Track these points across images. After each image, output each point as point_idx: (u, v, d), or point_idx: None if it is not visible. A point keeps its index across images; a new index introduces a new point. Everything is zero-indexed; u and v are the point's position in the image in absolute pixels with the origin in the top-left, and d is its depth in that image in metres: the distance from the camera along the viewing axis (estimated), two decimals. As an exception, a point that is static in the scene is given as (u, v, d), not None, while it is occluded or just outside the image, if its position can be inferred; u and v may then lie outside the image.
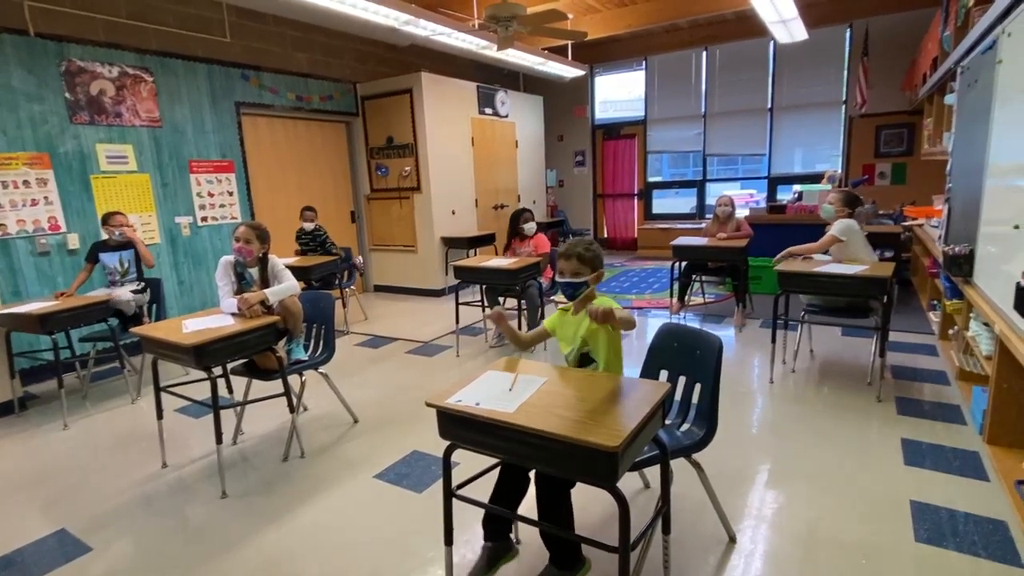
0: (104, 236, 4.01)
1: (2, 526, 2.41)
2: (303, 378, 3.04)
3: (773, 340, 3.57)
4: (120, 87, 4.53)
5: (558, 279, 2.03)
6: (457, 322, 4.53)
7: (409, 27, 4.82)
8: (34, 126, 4.09)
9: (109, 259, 3.96)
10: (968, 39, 3.12)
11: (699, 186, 8.76)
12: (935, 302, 4.44)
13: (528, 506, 1.84)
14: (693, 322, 5.01)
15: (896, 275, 3.31)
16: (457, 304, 4.48)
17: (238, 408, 3.12)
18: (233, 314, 2.82)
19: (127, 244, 4.00)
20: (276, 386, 2.84)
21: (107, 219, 3.94)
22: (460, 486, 1.79)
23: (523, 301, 4.32)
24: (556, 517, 1.73)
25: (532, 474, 1.80)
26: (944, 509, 2.19)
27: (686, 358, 2.06)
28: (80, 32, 4.31)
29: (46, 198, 4.17)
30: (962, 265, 2.71)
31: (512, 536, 1.95)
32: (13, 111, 3.98)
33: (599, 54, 8.56)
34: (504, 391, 1.70)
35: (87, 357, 4.03)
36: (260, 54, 5.56)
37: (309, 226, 5.28)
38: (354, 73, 6.57)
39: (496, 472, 1.88)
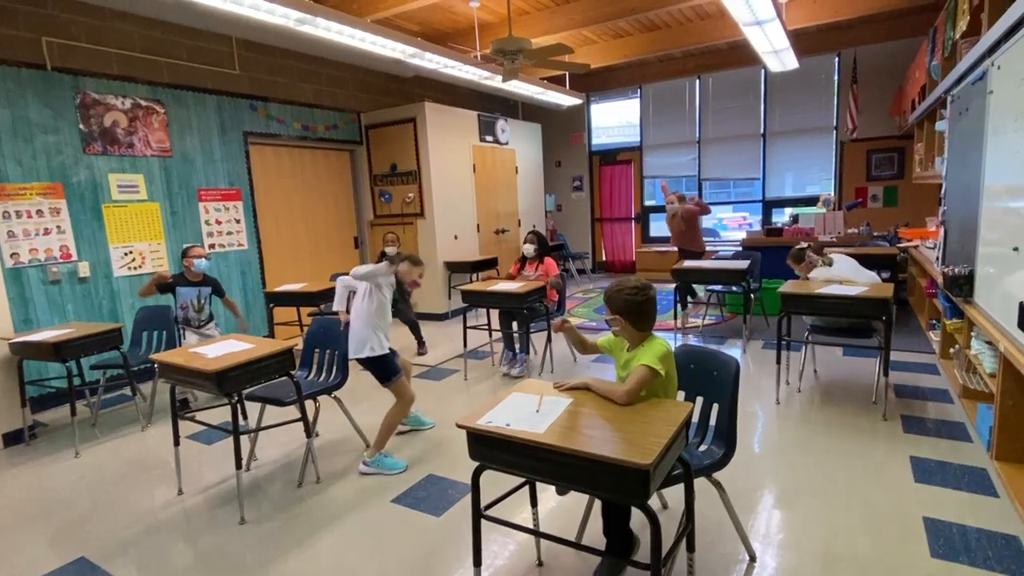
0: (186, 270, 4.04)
1: (21, 555, 2.40)
2: (317, 403, 3.07)
3: (778, 361, 3.63)
4: (133, 118, 4.62)
5: None
6: (465, 345, 4.57)
7: (415, 59, 4.97)
8: (48, 157, 4.16)
9: (187, 293, 4.03)
10: (957, 70, 3.26)
11: (695, 210, 8.90)
12: (934, 321, 4.52)
13: (556, 522, 1.86)
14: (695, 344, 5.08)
15: (894, 296, 3.39)
16: (465, 328, 4.52)
17: (251, 434, 3.14)
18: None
19: (206, 281, 4.10)
20: (290, 412, 2.87)
21: (186, 252, 4.04)
22: (487, 507, 1.82)
23: (530, 324, 4.40)
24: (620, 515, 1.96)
25: None
26: (956, 525, 2.23)
27: (703, 379, 2.12)
28: (95, 66, 4.42)
29: (58, 227, 4.22)
30: (962, 285, 2.79)
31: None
32: (29, 142, 4.06)
33: (595, 83, 8.77)
34: (531, 412, 1.75)
35: (97, 384, 4.03)
36: (268, 85, 5.69)
37: (391, 250, 5.02)
38: (358, 103, 6.71)
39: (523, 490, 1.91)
